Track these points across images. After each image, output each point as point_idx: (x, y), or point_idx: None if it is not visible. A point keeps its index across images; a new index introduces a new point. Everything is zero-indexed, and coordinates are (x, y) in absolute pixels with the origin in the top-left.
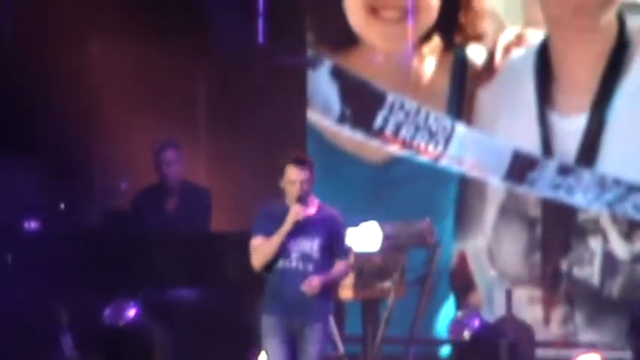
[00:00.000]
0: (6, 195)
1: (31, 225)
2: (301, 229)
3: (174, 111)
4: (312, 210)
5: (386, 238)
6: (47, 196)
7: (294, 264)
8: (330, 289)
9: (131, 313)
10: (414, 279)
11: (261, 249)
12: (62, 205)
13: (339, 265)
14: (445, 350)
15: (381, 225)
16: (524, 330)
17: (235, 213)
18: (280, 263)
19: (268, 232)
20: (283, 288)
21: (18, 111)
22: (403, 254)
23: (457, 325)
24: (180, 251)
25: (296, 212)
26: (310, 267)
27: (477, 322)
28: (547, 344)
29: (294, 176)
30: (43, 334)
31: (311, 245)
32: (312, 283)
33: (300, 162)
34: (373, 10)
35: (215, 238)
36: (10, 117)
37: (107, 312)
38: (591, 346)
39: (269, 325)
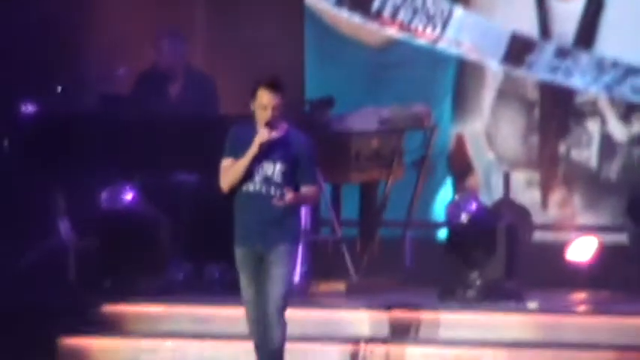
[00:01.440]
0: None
1: (28, 108)
2: (266, 152)
3: None
4: (274, 135)
5: (383, 121)
6: (44, 80)
7: (257, 187)
8: (294, 211)
9: (128, 197)
10: (411, 162)
11: (228, 171)
12: (59, 89)
13: (308, 190)
14: (442, 233)
15: (378, 108)
16: (522, 213)
17: (234, 99)
18: (244, 186)
19: (237, 155)
20: (247, 211)
21: None
22: (400, 137)
23: (454, 208)
24: (181, 135)
25: (262, 136)
26: (272, 190)
27: (474, 205)
28: (545, 227)
29: (265, 100)
30: (40, 219)
31: (274, 169)
32: (285, 196)
33: (273, 86)
34: None
35: (215, 122)
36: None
37: (104, 196)
38: (589, 229)
39: (238, 258)
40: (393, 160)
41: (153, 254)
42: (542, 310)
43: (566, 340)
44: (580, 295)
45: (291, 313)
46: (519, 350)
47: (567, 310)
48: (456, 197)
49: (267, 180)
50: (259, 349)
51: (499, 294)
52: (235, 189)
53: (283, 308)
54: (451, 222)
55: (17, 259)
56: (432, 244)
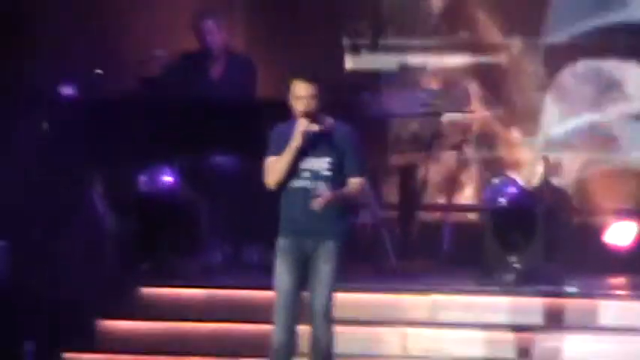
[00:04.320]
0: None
1: (68, 91)
2: (312, 147)
3: None
4: (315, 127)
5: (423, 104)
6: (84, 62)
7: (305, 183)
8: (344, 207)
9: (167, 179)
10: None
11: (272, 166)
12: (98, 71)
13: (352, 184)
14: (481, 217)
15: (417, 91)
16: (562, 196)
17: (273, 83)
18: (291, 182)
19: (281, 152)
20: (295, 207)
21: None
22: (440, 120)
23: (493, 192)
24: (221, 118)
25: (302, 125)
26: (321, 185)
27: (513, 189)
28: (585, 210)
29: (300, 92)
30: (79, 202)
31: (321, 164)
32: (320, 199)
33: (307, 77)
34: None
35: (256, 105)
36: None
37: (143, 178)
38: (629, 212)
39: (280, 249)
40: (432, 143)
41: (191, 237)
42: (581, 294)
43: (605, 324)
44: (619, 279)
45: None
46: (557, 334)
47: (606, 294)
48: (496, 180)
49: (315, 175)
50: (277, 353)
51: (538, 278)
52: (282, 185)
53: (330, 306)
54: (490, 205)
55: (57, 243)
56: (471, 227)
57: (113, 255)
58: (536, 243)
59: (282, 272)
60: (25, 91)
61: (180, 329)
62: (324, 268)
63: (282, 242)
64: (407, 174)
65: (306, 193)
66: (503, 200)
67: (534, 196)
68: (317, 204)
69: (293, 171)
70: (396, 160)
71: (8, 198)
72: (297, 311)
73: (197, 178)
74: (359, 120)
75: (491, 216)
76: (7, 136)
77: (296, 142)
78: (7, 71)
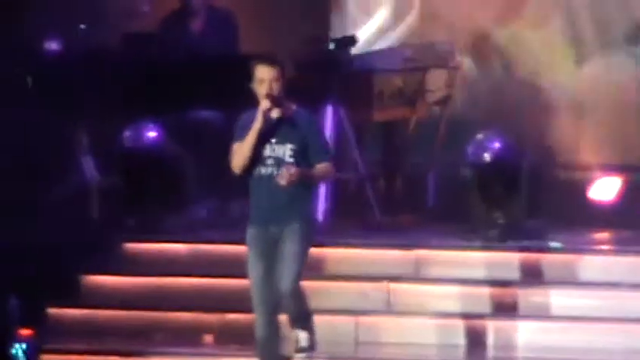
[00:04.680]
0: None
1: (52, 46)
2: (275, 134)
3: None
4: (276, 111)
5: (407, 59)
6: (67, 17)
7: (269, 170)
8: (307, 190)
9: (152, 135)
10: (434, 100)
11: (237, 151)
12: (82, 26)
13: (320, 167)
14: (465, 172)
15: (401, 46)
16: (547, 151)
17: (260, 33)
18: (256, 169)
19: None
20: (260, 195)
21: None
22: (424, 76)
23: (477, 147)
24: (205, 73)
25: (263, 106)
26: (283, 170)
27: (497, 144)
28: (569, 166)
29: (262, 74)
30: (63, 157)
31: (284, 150)
32: (285, 171)
33: (269, 60)
34: None
35: (238, 59)
36: None
37: (127, 134)
38: (613, 167)
39: (249, 237)
40: (416, 99)
41: (176, 192)
42: (565, 249)
43: (588, 278)
44: (603, 234)
45: (315, 251)
46: (541, 288)
47: (591, 249)
48: (479, 135)
49: (278, 161)
50: (262, 348)
51: (522, 233)
52: (248, 172)
53: (298, 285)
54: (474, 161)
55: (41, 198)
56: (455, 182)
57: (98, 210)
58: (520, 198)
59: (252, 261)
60: (10, 44)
61: (165, 284)
62: (288, 249)
63: (250, 231)
64: (391, 129)
65: (270, 181)
66: (487, 155)
67: (519, 151)
68: (282, 178)
69: (257, 158)
70: (380, 115)
71: None
72: (275, 299)
73: (182, 133)
74: (343, 75)
75: (475, 171)
76: None
77: (258, 123)
78: None
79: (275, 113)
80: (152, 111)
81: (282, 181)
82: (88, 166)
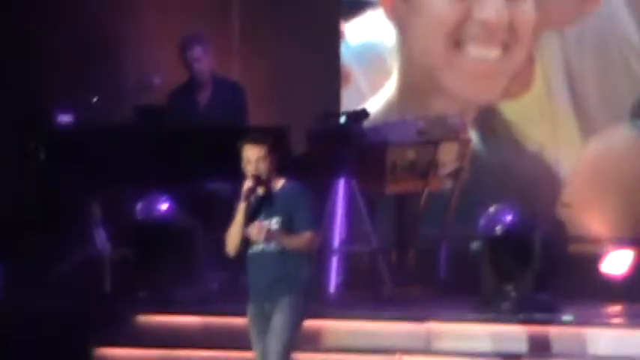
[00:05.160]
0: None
1: (64, 118)
2: (262, 209)
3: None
4: (260, 191)
5: (420, 132)
6: (80, 90)
7: (260, 247)
8: (301, 264)
9: (164, 207)
10: (446, 173)
11: (228, 236)
12: (94, 99)
13: (301, 235)
14: (476, 245)
15: (414, 119)
16: (558, 225)
17: (272, 107)
18: (249, 249)
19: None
20: (254, 273)
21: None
22: (436, 148)
23: (489, 220)
24: (214, 145)
25: (246, 186)
26: (272, 246)
27: (509, 217)
28: (581, 239)
29: (248, 154)
30: (76, 229)
31: (271, 224)
32: (257, 227)
33: (255, 139)
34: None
35: (246, 131)
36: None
37: (139, 206)
38: (625, 241)
39: (249, 314)
40: (428, 171)
41: (188, 264)
42: (577, 322)
43: (601, 353)
44: (615, 308)
45: (327, 324)
46: None
47: (602, 322)
48: (492, 208)
49: (267, 237)
50: None
51: (534, 306)
52: (240, 252)
53: (284, 358)
54: (487, 233)
55: (53, 269)
56: (468, 255)
57: (110, 282)
58: (532, 271)
59: (253, 340)
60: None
61: (176, 357)
62: (276, 321)
63: (249, 309)
64: (403, 202)
65: (261, 257)
66: (499, 228)
67: (531, 224)
68: (251, 232)
69: (247, 237)
70: (393, 188)
71: (5, 222)
72: None
73: (193, 205)
74: (356, 148)
75: (487, 244)
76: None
77: (242, 202)
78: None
79: (260, 191)
80: (163, 182)
81: (251, 236)
82: (100, 237)
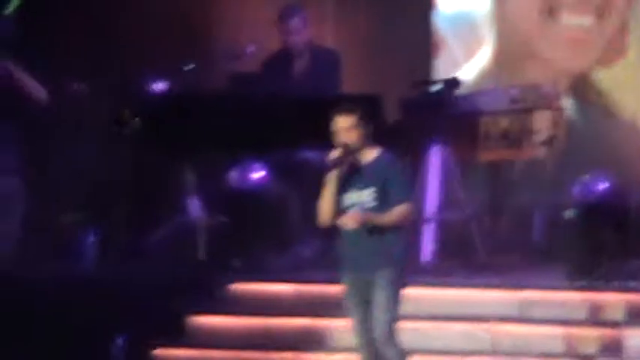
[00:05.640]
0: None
1: (159, 87)
2: (356, 181)
3: None
4: (358, 158)
5: (513, 100)
6: (174, 58)
7: None
8: (395, 234)
9: (257, 175)
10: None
11: (320, 205)
12: (189, 66)
13: (395, 210)
14: (570, 213)
15: (507, 87)
16: None
17: (365, 76)
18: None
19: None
20: (348, 245)
21: None
22: (529, 117)
23: (584, 188)
24: (308, 113)
25: (331, 156)
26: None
27: (603, 185)
28: None
29: (337, 124)
30: (170, 197)
31: (365, 196)
32: (348, 217)
33: (344, 109)
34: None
35: (340, 99)
36: None
37: (233, 174)
38: None
39: (345, 286)
40: (522, 139)
41: (281, 232)
42: None
43: None
44: None
45: (420, 292)
46: None
47: None
48: (585, 176)
49: (361, 208)
50: None
51: (627, 273)
52: (335, 221)
53: (391, 332)
54: (580, 201)
55: (147, 237)
56: (561, 223)
57: (204, 250)
58: (626, 239)
59: (351, 308)
60: (116, 79)
61: (270, 324)
62: (379, 297)
63: (345, 280)
64: (497, 170)
65: (356, 231)
66: (593, 196)
67: (625, 191)
68: (345, 222)
69: (340, 208)
70: (486, 156)
71: (99, 193)
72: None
73: (286, 173)
74: (449, 117)
75: (581, 212)
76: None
77: (332, 177)
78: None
79: (349, 161)
80: (257, 151)
81: (346, 226)
82: (194, 205)
